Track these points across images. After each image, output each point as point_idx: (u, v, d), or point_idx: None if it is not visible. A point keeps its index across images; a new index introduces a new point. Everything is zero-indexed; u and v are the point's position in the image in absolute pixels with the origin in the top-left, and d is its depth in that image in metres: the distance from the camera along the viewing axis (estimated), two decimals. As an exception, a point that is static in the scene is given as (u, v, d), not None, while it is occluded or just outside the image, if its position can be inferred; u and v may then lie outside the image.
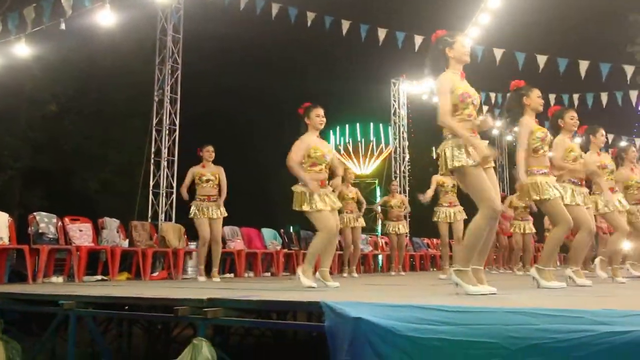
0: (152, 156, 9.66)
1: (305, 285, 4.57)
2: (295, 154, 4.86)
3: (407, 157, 15.48)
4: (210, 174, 7.10)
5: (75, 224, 7.46)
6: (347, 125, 35.91)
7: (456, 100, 3.65)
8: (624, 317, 2.06)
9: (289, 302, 2.92)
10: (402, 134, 15.40)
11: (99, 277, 7.41)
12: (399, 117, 15.41)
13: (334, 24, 9.26)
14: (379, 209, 10.13)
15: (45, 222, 7.05)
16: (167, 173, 9.63)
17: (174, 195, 9.54)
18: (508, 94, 4.80)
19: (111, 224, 7.97)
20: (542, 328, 2.10)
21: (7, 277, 6.72)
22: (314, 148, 4.91)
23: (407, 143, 15.52)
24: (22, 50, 8.34)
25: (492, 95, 12.66)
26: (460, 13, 8.92)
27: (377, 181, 32.96)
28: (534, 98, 4.59)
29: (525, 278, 5.81)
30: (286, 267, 10.04)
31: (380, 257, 12.67)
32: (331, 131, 36.03)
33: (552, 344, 2.06)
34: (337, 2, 9.62)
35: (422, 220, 11.21)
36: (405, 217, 9.90)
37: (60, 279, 6.93)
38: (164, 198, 9.58)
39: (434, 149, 7.91)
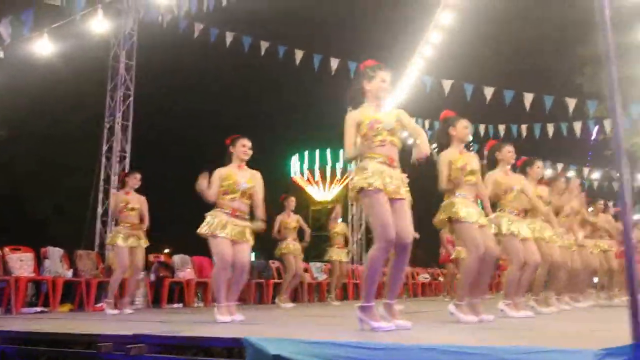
0: (102, 183, 9.47)
1: (219, 321, 4.61)
2: (211, 183, 4.99)
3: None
4: (136, 201, 6.87)
5: (15, 254, 7.24)
6: (306, 152, 35.96)
7: (365, 130, 3.63)
8: (529, 354, 2.08)
9: (209, 338, 2.87)
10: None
11: (39, 308, 7.17)
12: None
13: (287, 53, 9.33)
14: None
15: (-17, 252, 6.81)
16: (116, 201, 9.44)
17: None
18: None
19: (54, 253, 7.74)
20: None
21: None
22: (227, 176, 5.00)
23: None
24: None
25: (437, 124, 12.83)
26: (408, 45, 9.11)
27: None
28: (460, 129, 4.56)
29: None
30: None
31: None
32: (292, 157, 36.16)
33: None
34: (290, 32, 9.69)
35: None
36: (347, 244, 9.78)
37: (-4, 311, 6.68)
38: (112, 226, 9.37)
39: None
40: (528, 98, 8.97)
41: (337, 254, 9.28)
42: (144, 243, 6.91)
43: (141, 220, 6.89)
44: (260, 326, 4.38)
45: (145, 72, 9.86)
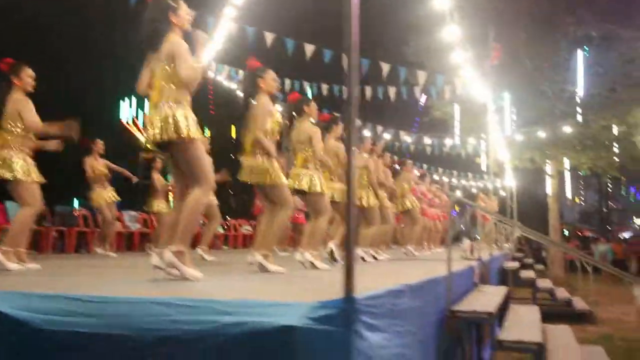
0: None
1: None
2: None
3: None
4: None
5: None
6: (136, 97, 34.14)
7: None
8: (247, 308, 2.09)
9: None
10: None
11: None
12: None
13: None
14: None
15: None
16: None
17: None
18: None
19: None
20: (175, 319, 2.06)
21: None
22: None
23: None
24: None
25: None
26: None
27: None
28: (269, 80, 4.57)
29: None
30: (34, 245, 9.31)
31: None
32: (122, 101, 34.08)
33: (180, 336, 2.02)
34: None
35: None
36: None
37: None
38: None
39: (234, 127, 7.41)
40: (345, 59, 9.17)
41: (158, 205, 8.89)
42: None
43: None
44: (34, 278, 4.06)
45: None
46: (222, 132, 24.50)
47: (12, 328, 2.11)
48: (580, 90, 13.97)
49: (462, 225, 8.90)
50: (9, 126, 4.56)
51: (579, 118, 14.67)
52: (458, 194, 15.30)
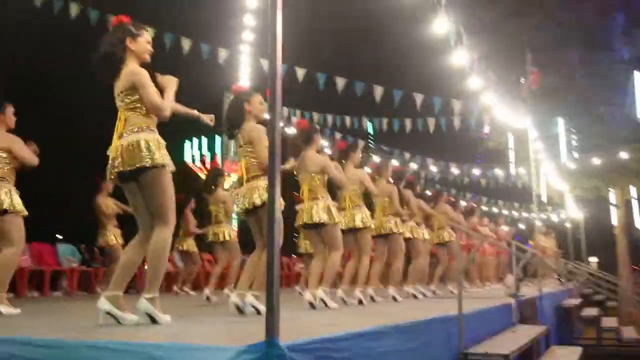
0: None
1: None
2: None
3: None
4: None
5: None
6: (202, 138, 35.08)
7: None
8: (180, 351, 1.95)
9: None
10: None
11: None
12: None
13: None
14: None
15: None
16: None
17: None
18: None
19: None
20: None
21: None
22: None
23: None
24: None
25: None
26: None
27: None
28: (256, 104, 4.25)
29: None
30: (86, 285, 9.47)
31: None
32: (186, 142, 35.07)
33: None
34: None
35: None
36: None
37: None
38: None
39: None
40: (379, 91, 9.11)
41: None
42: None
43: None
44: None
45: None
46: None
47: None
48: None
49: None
50: None
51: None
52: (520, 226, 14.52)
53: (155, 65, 3.43)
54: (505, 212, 18.88)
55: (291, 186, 5.34)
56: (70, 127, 21.40)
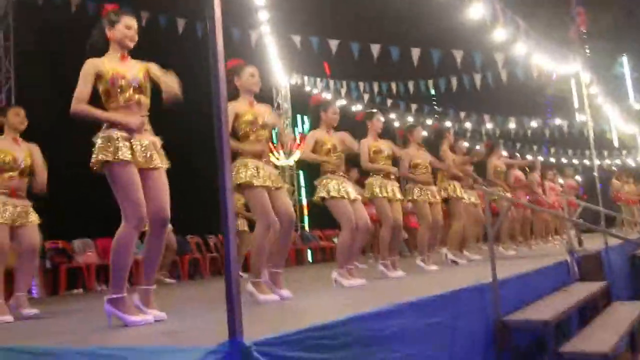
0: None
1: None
2: None
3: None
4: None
5: None
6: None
7: (107, 86, 3.20)
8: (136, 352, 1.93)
9: None
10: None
11: None
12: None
13: (169, 22, 8.95)
14: None
15: None
16: None
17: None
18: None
19: None
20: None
21: None
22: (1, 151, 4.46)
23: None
24: None
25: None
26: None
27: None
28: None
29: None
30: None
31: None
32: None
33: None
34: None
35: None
36: None
37: None
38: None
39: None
40: (415, 53, 8.78)
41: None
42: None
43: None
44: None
45: (25, 53, 9.33)
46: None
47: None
48: None
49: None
50: None
51: None
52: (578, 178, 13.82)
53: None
54: (575, 161, 17.93)
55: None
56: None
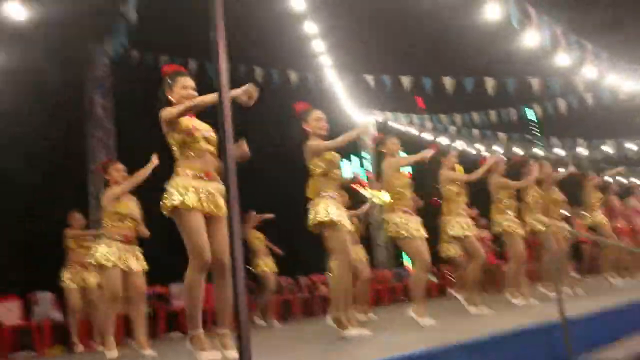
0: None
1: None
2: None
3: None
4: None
5: (1, 303, 7.59)
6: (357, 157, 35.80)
7: (182, 136, 3.48)
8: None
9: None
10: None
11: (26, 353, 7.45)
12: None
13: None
14: None
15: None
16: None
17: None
18: None
19: (44, 298, 8.06)
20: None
21: None
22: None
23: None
24: None
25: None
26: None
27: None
28: (312, 122, 4.34)
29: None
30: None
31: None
32: (345, 160, 35.93)
33: None
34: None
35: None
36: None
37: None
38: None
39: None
40: (489, 83, 8.62)
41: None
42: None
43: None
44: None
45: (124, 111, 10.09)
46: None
47: None
48: None
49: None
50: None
51: None
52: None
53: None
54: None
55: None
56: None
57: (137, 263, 5.11)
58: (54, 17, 7.36)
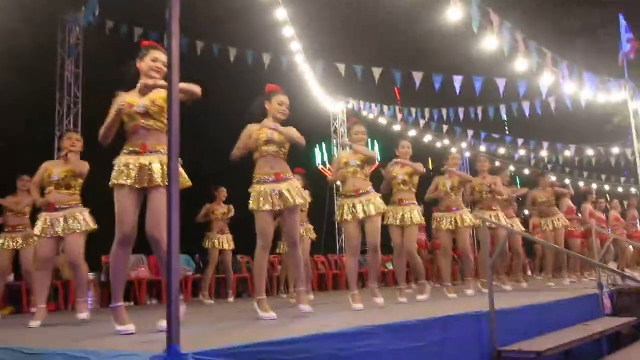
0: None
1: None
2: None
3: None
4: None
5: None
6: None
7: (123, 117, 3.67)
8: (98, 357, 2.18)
9: None
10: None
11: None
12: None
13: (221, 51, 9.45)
14: None
15: None
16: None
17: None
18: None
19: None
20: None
21: None
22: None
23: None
24: None
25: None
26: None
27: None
28: (274, 105, 4.39)
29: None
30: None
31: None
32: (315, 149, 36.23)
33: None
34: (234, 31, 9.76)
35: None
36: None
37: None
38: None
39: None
40: (457, 81, 8.83)
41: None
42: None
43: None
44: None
45: (92, 80, 10.06)
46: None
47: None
48: None
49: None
50: None
51: None
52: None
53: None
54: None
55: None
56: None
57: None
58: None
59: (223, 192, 8.62)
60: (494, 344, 3.74)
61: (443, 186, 6.59)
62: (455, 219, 6.45)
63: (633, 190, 17.42)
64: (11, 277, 8.18)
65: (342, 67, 9.29)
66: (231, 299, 8.84)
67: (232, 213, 8.64)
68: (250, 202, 4.24)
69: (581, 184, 16.40)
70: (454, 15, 6.55)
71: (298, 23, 9.03)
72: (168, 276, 2.02)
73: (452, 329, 3.49)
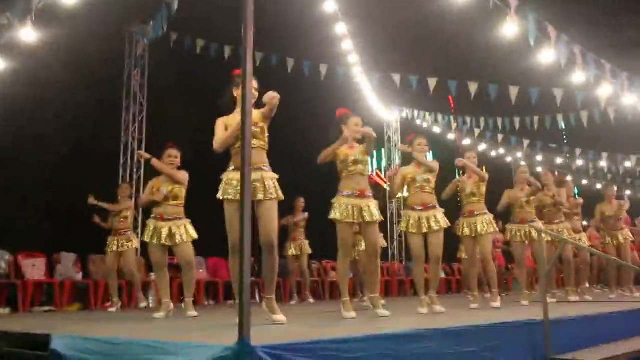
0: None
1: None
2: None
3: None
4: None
5: (29, 260, 8.14)
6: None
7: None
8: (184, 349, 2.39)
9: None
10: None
11: (47, 308, 7.98)
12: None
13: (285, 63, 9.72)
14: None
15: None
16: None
17: (139, 231, 9.97)
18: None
19: (67, 259, 8.61)
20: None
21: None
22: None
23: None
24: None
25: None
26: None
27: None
28: (351, 126, 4.75)
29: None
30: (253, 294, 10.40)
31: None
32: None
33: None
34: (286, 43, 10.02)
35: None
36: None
37: (6, 310, 7.56)
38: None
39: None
40: (513, 91, 8.80)
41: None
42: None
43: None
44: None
45: (157, 89, 10.54)
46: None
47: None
48: None
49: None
50: None
51: None
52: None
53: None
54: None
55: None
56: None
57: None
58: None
59: (300, 202, 9.17)
60: (548, 353, 3.79)
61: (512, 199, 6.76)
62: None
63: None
64: (79, 276, 8.68)
65: (397, 77, 9.45)
66: (311, 300, 9.41)
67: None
68: (333, 212, 4.64)
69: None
70: (510, 30, 6.60)
71: (357, 36, 9.24)
72: (240, 276, 2.21)
73: (506, 335, 3.56)
